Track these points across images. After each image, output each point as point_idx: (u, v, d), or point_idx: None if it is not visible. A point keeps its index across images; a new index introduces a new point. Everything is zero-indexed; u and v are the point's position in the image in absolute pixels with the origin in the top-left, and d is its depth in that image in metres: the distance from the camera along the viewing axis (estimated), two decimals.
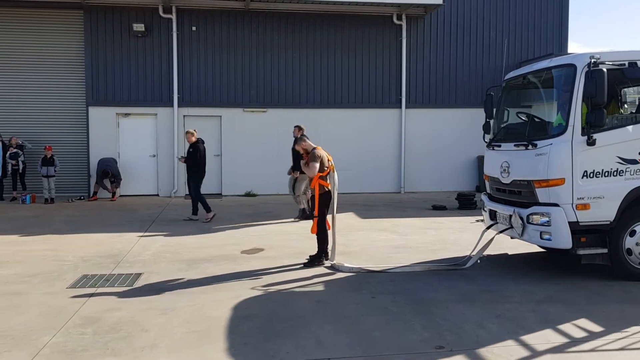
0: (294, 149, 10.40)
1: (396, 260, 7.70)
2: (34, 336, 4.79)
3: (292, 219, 11.46)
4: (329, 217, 7.64)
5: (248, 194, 14.92)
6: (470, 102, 17.04)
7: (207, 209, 11.33)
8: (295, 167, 11.05)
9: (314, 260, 7.46)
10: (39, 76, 15.53)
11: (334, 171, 7.60)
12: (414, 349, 4.55)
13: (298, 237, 9.39)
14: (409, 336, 4.83)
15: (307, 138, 8.19)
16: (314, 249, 7.65)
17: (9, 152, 14.57)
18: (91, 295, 6.04)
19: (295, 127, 11.72)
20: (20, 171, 14.74)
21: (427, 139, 16.96)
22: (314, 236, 7.59)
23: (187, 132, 11.85)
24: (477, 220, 10.93)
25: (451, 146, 17.01)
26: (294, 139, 10.94)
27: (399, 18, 16.60)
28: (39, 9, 15.37)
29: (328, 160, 7.59)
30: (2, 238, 9.38)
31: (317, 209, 7.45)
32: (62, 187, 15.21)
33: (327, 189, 7.53)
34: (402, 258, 7.87)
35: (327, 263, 7.46)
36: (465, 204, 13.17)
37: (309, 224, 8.41)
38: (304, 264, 7.45)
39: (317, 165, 7.38)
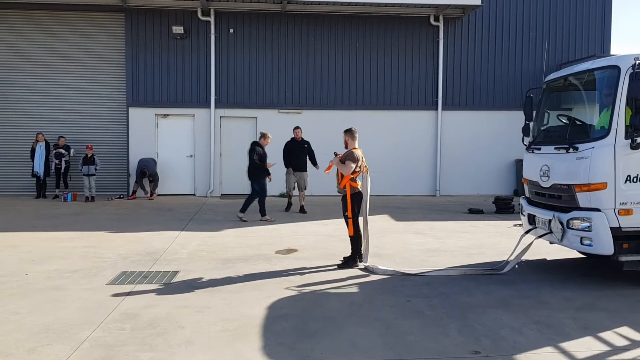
0: (294, 149, 12.70)
1: (431, 264, 7.62)
2: (74, 330, 4.92)
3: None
4: (360, 219, 7.60)
5: (282, 195, 14.96)
6: (508, 104, 16.75)
7: (263, 211, 11.67)
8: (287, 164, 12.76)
9: (348, 262, 7.44)
10: (82, 77, 15.96)
11: (367, 173, 7.56)
12: (449, 354, 4.50)
13: (331, 238, 9.40)
14: (444, 340, 4.77)
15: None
16: (347, 251, 7.64)
17: (54, 152, 15.04)
18: (129, 291, 6.17)
19: (296, 128, 13.05)
20: (63, 170, 15.18)
21: (463, 141, 16.74)
22: (348, 237, 7.58)
23: (265, 135, 11.92)
24: (515, 225, 10.76)
25: (488, 149, 16.76)
26: (297, 139, 12.91)
27: (436, 19, 16.44)
28: (83, 12, 15.81)
29: (363, 161, 7.55)
30: (45, 235, 9.67)
31: (350, 210, 7.42)
32: (103, 186, 15.58)
33: (358, 190, 7.50)
34: (438, 262, 7.78)
35: (361, 265, 7.44)
36: (503, 208, 12.94)
37: (341, 225, 8.38)
38: (338, 265, 7.45)
39: (353, 165, 7.37)
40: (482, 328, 5.07)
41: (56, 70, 15.89)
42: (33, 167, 14.99)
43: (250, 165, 11.64)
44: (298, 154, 12.76)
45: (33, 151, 15.02)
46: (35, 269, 7.13)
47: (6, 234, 9.66)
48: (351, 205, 7.44)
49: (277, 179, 12.60)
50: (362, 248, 7.60)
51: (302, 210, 12.70)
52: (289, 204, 13.10)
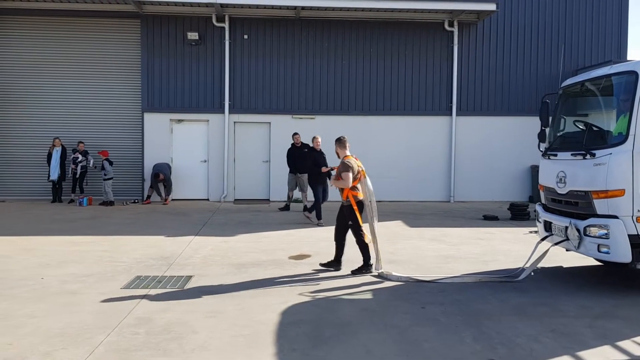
0: (296, 154, 13.33)
1: (446, 271, 7.57)
2: (89, 334, 4.94)
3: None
4: (366, 226, 7.57)
5: (295, 200, 14.98)
6: (523, 109, 16.64)
7: (318, 214, 11.77)
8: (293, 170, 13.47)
9: (362, 269, 7.41)
10: (98, 83, 16.13)
11: (365, 177, 7.52)
12: None
13: (348, 244, 9.34)
14: (460, 348, 4.72)
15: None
16: (360, 257, 7.59)
17: (72, 157, 15.20)
18: (144, 296, 6.19)
19: (295, 134, 13.60)
20: (78, 175, 15.32)
21: (478, 147, 16.65)
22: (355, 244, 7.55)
23: (316, 138, 12.15)
24: (531, 232, 10.66)
25: (503, 155, 16.65)
26: (297, 144, 13.45)
27: (451, 24, 16.40)
28: (99, 18, 15.99)
29: (358, 166, 7.50)
30: (60, 239, 9.75)
31: (360, 219, 7.37)
32: (118, 190, 15.69)
33: (360, 198, 7.46)
34: (452, 268, 7.73)
35: (375, 272, 7.40)
36: (518, 214, 12.83)
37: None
38: (352, 271, 7.41)
39: (350, 174, 7.30)
40: (498, 336, 5.01)
41: (73, 75, 16.08)
42: (49, 171, 15.16)
43: (309, 170, 12.17)
44: (298, 158, 13.29)
45: (50, 156, 15.20)
46: (50, 273, 7.19)
47: (23, 238, 9.76)
48: (359, 214, 7.38)
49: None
50: (373, 254, 7.55)
51: (305, 209, 12.86)
52: (287, 206, 14.12)
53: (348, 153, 7.63)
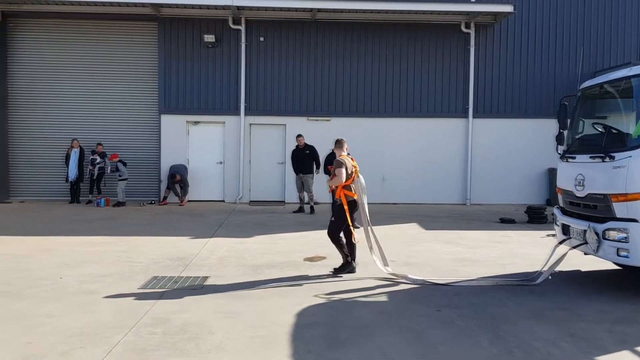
0: (298, 156, 13.90)
1: (462, 274, 7.52)
2: (106, 334, 4.99)
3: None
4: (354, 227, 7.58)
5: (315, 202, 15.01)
6: (541, 112, 16.49)
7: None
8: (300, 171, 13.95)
9: (344, 269, 7.42)
10: (116, 85, 16.30)
11: (358, 176, 7.53)
12: None
13: (360, 246, 9.31)
14: (476, 351, 4.69)
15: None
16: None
17: (90, 158, 15.38)
18: (160, 296, 6.24)
19: (298, 136, 14.02)
20: (95, 177, 15.48)
21: (494, 149, 16.53)
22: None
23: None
24: (548, 235, 10.55)
25: (520, 157, 16.51)
26: (300, 146, 13.92)
27: (467, 26, 16.30)
28: (117, 21, 16.17)
29: (353, 166, 7.51)
30: (79, 239, 9.86)
31: (350, 219, 7.37)
32: (134, 192, 15.89)
33: (352, 198, 7.46)
34: (468, 271, 7.68)
35: (386, 272, 7.33)
36: (535, 217, 12.71)
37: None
38: (334, 269, 7.47)
39: (343, 170, 7.32)
40: (515, 340, 4.97)
41: (91, 77, 16.26)
42: (67, 172, 15.36)
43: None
44: (301, 159, 13.87)
45: (68, 157, 15.39)
46: (69, 273, 7.27)
47: (42, 238, 9.89)
48: (349, 214, 7.37)
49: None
50: (376, 253, 7.51)
51: (310, 209, 13.86)
52: (300, 208, 14.20)
53: (343, 153, 7.72)
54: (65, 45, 16.21)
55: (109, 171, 15.27)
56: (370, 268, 7.74)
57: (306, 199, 14.20)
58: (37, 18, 16.10)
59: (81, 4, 15.19)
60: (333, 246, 7.55)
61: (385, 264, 7.45)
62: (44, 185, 16.22)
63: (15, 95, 16.21)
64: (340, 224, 7.42)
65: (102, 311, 5.67)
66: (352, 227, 7.47)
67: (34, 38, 16.24)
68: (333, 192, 7.87)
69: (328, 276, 7.33)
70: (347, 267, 7.47)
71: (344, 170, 7.33)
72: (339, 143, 7.84)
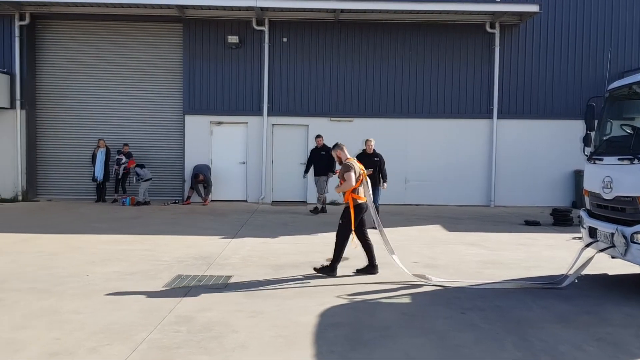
0: (315, 156, 13.93)
1: (486, 276, 7.45)
2: (132, 331, 5.06)
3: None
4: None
5: (332, 203, 15.01)
6: (567, 113, 16.24)
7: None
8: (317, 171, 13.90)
9: (326, 270, 7.38)
10: (141, 86, 16.54)
11: (366, 179, 7.53)
12: None
13: (381, 247, 9.28)
14: (501, 355, 4.65)
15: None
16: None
17: (116, 157, 15.62)
18: (185, 295, 6.30)
19: (317, 137, 13.97)
20: (121, 176, 15.72)
21: (519, 150, 16.34)
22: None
23: (368, 141, 11.96)
24: (574, 238, 10.40)
25: (546, 159, 16.28)
26: (318, 147, 13.92)
27: (492, 26, 16.14)
28: (143, 23, 16.39)
29: (360, 169, 7.48)
30: (105, 237, 10.02)
31: (352, 224, 7.33)
32: (159, 191, 16.10)
33: (359, 202, 7.41)
34: (493, 274, 7.60)
35: (410, 275, 7.31)
36: (561, 220, 12.52)
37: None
38: (315, 268, 7.43)
39: (352, 174, 7.28)
40: (540, 343, 4.91)
41: (117, 78, 16.52)
42: (94, 172, 15.61)
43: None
44: (317, 160, 13.85)
45: (94, 157, 15.65)
46: (95, 271, 7.40)
47: (69, 236, 10.07)
48: (354, 218, 7.32)
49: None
50: (390, 249, 7.50)
51: (315, 210, 13.94)
52: (322, 208, 14.09)
53: (350, 156, 7.70)
54: (92, 46, 16.48)
55: (134, 181, 15.45)
56: (393, 269, 7.72)
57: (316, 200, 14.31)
58: (64, 20, 16.39)
59: (107, 6, 15.41)
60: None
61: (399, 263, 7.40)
62: (70, 184, 16.52)
63: (44, 96, 16.55)
64: (346, 226, 7.38)
65: (128, 308, 5.75)
66: (353, 231, 7.42)
67: (61, 39, 16.55)
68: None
69: (350, 277, 7.32)
70: (331, 271, 7.37)
71: (352, 174, 7.29)
72: (339, 147, 7.72)
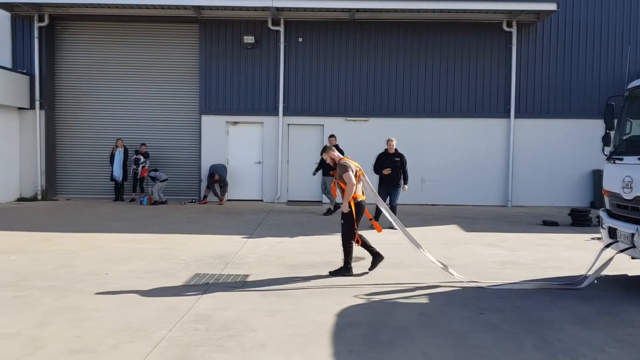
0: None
1: (504, 277, 7.40)
2: (152, 329, 5.11)
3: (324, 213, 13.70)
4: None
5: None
6: (585, 112, 16.07)
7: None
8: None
9: (341, 271, 7.38)
10: (158, 86, 16.68)
11: (364, 175, 7.50)
12: None
13: (398, 247, 9.27)
14: (520, 356, 4.62)
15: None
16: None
17: (134, 157, 15.77)
18: (203, 293, 6.35)
19: (330, 137, 13.58)
20: (139, 176, 15.86)
21: (537, 150, 16.19)
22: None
23: (390, 140, 11.91)
24: (593, 238, 10.29)
25: (564, 159, 16.13)
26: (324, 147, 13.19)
27: (509, 25, 16.01)
28: (159, 24, 16.53)
29: (355, 166, 7.45)
30: (124, 236, 10.12)
31: (355, 222, 7.32)
32: (175, 191, 16.22)
33: (358, 200, 7.39)
34: (511, 274, 7.55)
35: (440, 266, 7.28)
36: (580, 220, 12.38)
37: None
38: (330, 272, 7.41)
39: (350, 172, 7.23)
40: (560, 345, 4.87)
41: (134, 79, 16.68)
42: (112, 171, 15.77)
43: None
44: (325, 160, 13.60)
45: (112, 156, 15.81)
46: (114, 269, 7.48)
47: (88, 235, 10.19)
48: (356, 216, 7.31)
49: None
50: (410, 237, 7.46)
51: (328, 211, 13.73)
52: (335, 206, 13.75)
53: (344, 156, 7.68)
54: (110, 47, 16.65)
55: (155, 192, 15.55)
56: (410, 269, 7.71)
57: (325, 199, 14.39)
58: (82, 21, 16.58)
59: (125, 7, 15.55)
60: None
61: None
62: (89, 183, 16.71)
63: (63, 96, 16.76)
64: (348, 226, 7.37)
65: (147, 307, 5.80)
66: (356, 230, 7.42)
67: (80, 40, 16.74)
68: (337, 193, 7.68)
69: (367, 277, 7.31)
70: (346, 271, 7.38)
71: (350, 172, 7.25)
72: (329, 149, 7.70)
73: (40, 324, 5.21)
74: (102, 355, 4.51)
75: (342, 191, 7.36)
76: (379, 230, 7.90)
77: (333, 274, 7.38)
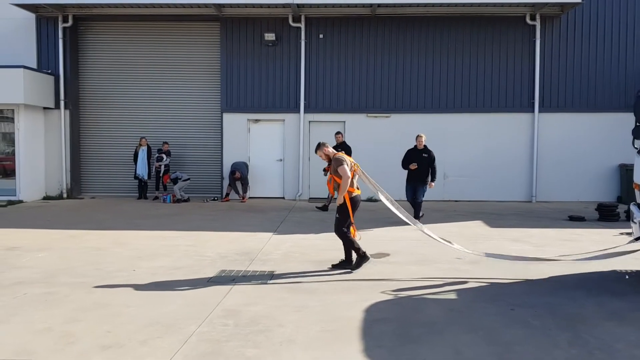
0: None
1: (533, 272, 7.28)
2: (181, 325, 5.13)
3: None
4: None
5: (370, 199, 14.91)
6: (611, 105, 15.79)
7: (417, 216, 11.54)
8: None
9: (344, 265, 7.39)
10: (181, 85, 16.77)
11: (362, 172, 7.49)
12: None
13: (421, 243, 9.19)
14: (555, 352, 4.53)
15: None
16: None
17: (156, 156, 15.90)
18: (230, 289, 6.36)
19: (337, 133, 13.68)
20: (162, 174, 15.98)
21: (562, 145, 15.95)
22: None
23: (419, 136, 11.85)
24: (622, 233, 10.10)
25: (589, 153, 15.86)
26: (337, 144, 13.33)
27: (533, 18, 15.79)
28: (181, 22, 16.61)
29: (351, 161, 7.41)
30: (150, 233, 10.20)
31: (351, 216, 7.29)
32: (198, 188, 16.30)
33: (353, 194, 7.34)
34: (540, 270, 7.42)
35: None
36: (607, 215, 12.16)
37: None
38: (333, 265, 7.43)
39: (345, 166, 7.20)
40: (595, 341, 4.77)
41: (157, 77, 16.79)
42: (136, 169, 15.92)
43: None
44: None
45: (136, 155, 15.95)
46: (142, 265, 7.53)
47: (115, 232, 10.29)
48: (351, 210, 7.29)
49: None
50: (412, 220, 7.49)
51: (323, 207, 13.82)
52: (324, 206, 13.92)
53: (339, 151, 7.64)
54: (132, 46, 16.80)
55: (179, 196, 15.66)
56: (436, 265, 7.64)
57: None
58: (105, 21, 16.75)
59: (147, 7, 15.67)
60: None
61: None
62: (113, 182, 16.89)
63: (87, 96, 16.95)
64: (344, 220, 7.34)
65: (175, 302, 5.83)
66: (353, 224, 7.42)
67: (103, 40, 16.92)
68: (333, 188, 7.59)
69: (392, 273, 7.26)
70: (363, 259, 7.39)
71: (346, 166, 7.21)
72: (323, 145, 7.65)
73: (71, 320, 5.26)
74: (133, 350, 4.54)
75: (338, 186, 7.34)
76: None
77: (353, 268, 7.34)
